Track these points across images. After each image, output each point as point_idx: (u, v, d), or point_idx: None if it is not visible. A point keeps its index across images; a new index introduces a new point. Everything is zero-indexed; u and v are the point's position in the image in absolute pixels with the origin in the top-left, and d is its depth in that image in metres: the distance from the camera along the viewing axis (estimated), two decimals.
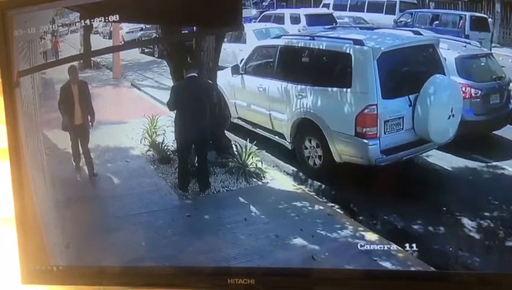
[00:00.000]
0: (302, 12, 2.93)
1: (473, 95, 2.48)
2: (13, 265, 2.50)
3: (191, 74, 2.69)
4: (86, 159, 2.81)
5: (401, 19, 2.83)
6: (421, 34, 2.62)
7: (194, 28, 2.71)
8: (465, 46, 2.57)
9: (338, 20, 2.86)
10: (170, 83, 2.79)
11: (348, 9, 2.94)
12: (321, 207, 2.53)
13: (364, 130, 2.41)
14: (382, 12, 2.88)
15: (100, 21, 2.45)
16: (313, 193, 2.59)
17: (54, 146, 2.74)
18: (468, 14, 2.64)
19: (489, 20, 2.54)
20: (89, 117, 2.81)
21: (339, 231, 2.38)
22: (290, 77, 2.68)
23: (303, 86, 2.61)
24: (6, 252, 2.57)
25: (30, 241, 2.45)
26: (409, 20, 2.81)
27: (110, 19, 2.40)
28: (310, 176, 2.63)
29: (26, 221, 2.44)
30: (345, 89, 2.47)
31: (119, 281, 2.41)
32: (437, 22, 2.75)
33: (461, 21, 2.66)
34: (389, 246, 2.20)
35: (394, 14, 2.82)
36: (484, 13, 2.56)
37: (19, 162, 2.45)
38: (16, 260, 2.47)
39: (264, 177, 2.69)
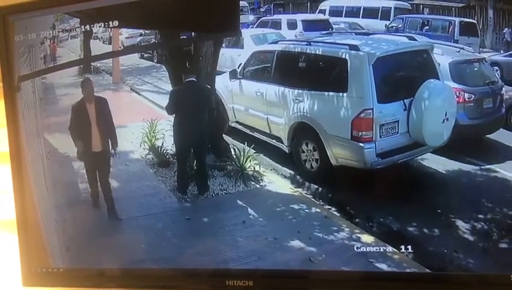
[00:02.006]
0: (299, 18, 2.97)
1: (466, 99, 2.51)
2: (14, 267, 2.51)
3: (190, 79, 2.71)
4: (104, 195, 2.67)
5: (392, 24, 2.87)
6: (416, 40, 2.65)
7: (193, 33, 2.74)
8: (458, 52, 2.61)
9: (334, 26, 2.90)
10: (169, 87, 2.82)
11: (343, 15, 2.98)
12: (318, 210, 2.55)
13: (360, 133, 2.44)
14: (377, 18, 2.92)
15: (100, 26, 2.46)
16: (310, 196, 2.61)
17: (55, 150, 2.74)
18: (457, 19, 2.68)
19: None
20: (110, 142, 2.66)
21: (335, 233, 2.40)
22: (287, 81, 2.71)
23: (300, 91, 2.64)
24: (8, 255, 2.57)
25: (31, 244, 2.45)
26: (400, 26, 2.85)
27: (109, 25, 2.41)
28: (307, 179, 2.66)
29: (27, 224, 2.44)
30: (341, 94, 2.50)
31: (119, 283, 2.41)
32: (427, 27, 2.79)
33: (451, 26, 2.70)
34: (384, 248, 2.22)
35: (389, 20, 2.86)
36: (477, 19, 2.60)
37: (20, 165, 2.46)
38: (17, 262, 2.48)
39: (261, 180, 2.72)
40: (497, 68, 2.54)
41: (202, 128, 2.73)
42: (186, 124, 2.72)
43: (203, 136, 2.74)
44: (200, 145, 2.74)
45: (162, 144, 2.87)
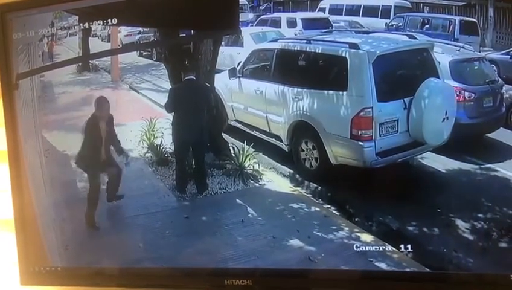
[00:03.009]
0: (299, 16, 2.96)
1: (466, 98, 2.51)
2: (12, 266, 2.50)
3: (189, 77, 2.70)
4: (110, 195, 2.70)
5: (392, 23, 2.87)
6: (416, 38, 2.65)
7: (192, 31, 2.73)
8: (458, 50, 2.61)
9: (334, 24, 2.90)
10: (168, 85, 2.81)
11: (343, 14, 2.98)
12: (317, 209, 2.55)
13: (359, 132, 2.44)
14: (377, 17, 2.91)
15: (99, 24, 2.46)
16: (310, 195, 2.61)
17: (53, 148, 2.74)
18: (457, 18, 2.68)
19: None
20: (123, 155, 2.72)
21: (335, 232, 2.40)
22: (287, 80, 2.70)
23: (299, 89, 2.64)
24: (6, 253, 2.57)
25: (29, 243, 2.45)
26: (400, 24, 2.84)
27: (108, 23, 2.41)
28: (306, 178, 2.66)
29: (25, 222, 2.44)
30: (340, 92, 2.49)
31: (118, 282, 2.41)
32: (427, 25, 2.79)
33: (451, 25, 2.70)
34: (384, 247, 2.22)
35: (389, 18, 2.86)
36: (478, 18, 2.60)
37: (18, 164, 2.45)
38: (15, 261, 2.47)
39: (261, 179, 2.72)
40: (493, 66, 2.54)
41: (201, 126, 2.73)
42: (185, 122, 2.72)
43: (202, 135, 2.74)
44: (199, 144, 2.73)
45: (161, 143, 2.87)
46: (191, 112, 2.70)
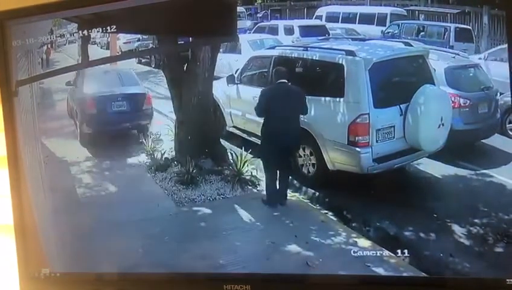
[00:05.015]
0: (296, 23, 2.98)
1: (462, 104, 2.53)
2: (12, 272, 2.51)
3: (281, 81, 2.62)
4: None
5: (388, 30, 2.89)
6: (411, 45, 2.67)
7: (190, 38, 2.75)
8: (454, 57, 2.63)
9: (330, 32, 2.91)
10: (166, 92, 2.82)
11: (340, 21, 2.99)
12: (315, 214, 2.56)
13: (356, 138, 2.45)
14: (373, 24, 2.93)
15: (98, 32, 2.47)
16: (307, 200, 2.62)
17: (52, 154, 2.75)
18: (452, 25, 2.70)
19: None
20: None
21: (332, 238, 2.41)
22: None
23: None
24: (6, 259, 2.57)
25: (29, 248, 2.46)
26: (396, 31, 2.87)
27: (107, 30, 2.42)
28: (304, 184, 2.67)
29: (25, 228, 2.45)
30: (337, 99, 2.51)
31: (117, 288, 2.42)
32: (423, 33, 2.81)
33: (446, 32, 2.72)
34: (381, 252, 2.24)
35: (385, 26, 2.88)
36: (472, 25, 2.62)
37: (18, 169, 2.47)
38: (14, 266, 2.48)
39: (259, 184, 2.72)
40: None
41: (296, 131, 2.63)
42: (278, 126, 2.64)
43: (297, 141, 2.65)
44: (293, 150, 2.67)
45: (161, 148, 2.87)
46: (284, 114, 2.63)
